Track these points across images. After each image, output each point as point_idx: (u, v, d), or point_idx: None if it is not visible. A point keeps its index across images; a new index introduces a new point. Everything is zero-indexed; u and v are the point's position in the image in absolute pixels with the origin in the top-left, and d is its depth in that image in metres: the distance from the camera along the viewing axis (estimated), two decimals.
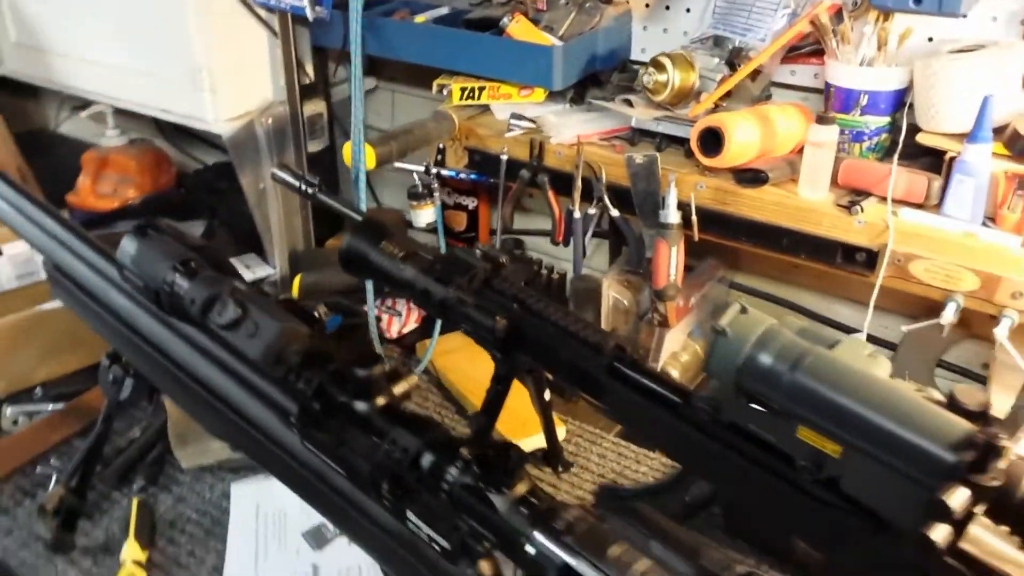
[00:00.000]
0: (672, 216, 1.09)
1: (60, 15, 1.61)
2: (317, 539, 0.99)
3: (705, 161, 1.07)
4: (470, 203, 1.62)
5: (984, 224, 0.95)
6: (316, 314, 0.80)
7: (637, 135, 1.19)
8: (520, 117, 1.26)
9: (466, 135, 1.32)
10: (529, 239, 1.57)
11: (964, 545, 0.61)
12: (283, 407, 0.76)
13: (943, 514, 0.59)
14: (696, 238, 1.10)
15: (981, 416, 0.68)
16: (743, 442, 0.75)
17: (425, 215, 1.38)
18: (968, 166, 0.94)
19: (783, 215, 1.04)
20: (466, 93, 1.34)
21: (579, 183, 1.18)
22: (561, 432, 1.24)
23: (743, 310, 0.75)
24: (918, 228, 0.97)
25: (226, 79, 1.46)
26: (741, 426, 0.75)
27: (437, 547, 0.64)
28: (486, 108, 1.34)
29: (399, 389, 0.72)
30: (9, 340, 1.24)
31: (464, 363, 1.39)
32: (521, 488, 0.62)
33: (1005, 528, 0.63)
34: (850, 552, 0.70)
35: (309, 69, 1.56)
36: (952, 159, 0.96)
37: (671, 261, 1.10)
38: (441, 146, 1.34)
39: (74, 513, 1.00)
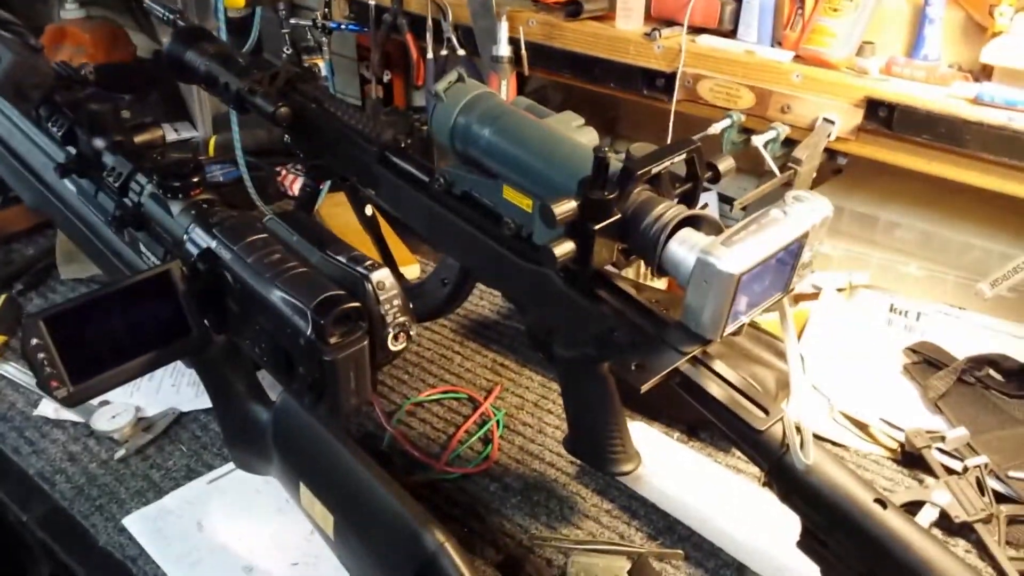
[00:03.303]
0: (503, 50, 1.13)
1: None
2: None
3: None
4: (386, 76, 1.69)
5: (773, 46, 0.98)
6: None
7: None
8: None
9: None
10: None
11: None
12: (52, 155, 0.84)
13: (551, 221, 0.64)
14: (526, 72, 1.15)
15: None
16: (468, 208, 0.80)
17: (319, 66, 1.45)
18: None
19: (598, 46, 1.08)
20: None
21: (430, 23, 1.23)
22: (415, 270, 1.30)
23: (459, 78, 0.80)
24: (709, 51, 0.99)
25: None
26: (469, 194, 0.81)
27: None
28: None
29: (141, 137, 0.80)
30: None
31: (347, 215, 1.47)
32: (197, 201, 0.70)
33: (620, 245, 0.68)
34: (549, 304, 0.75)
35: None
36: None
37: (501, 94, 1.15)
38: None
39: None
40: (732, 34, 1.01)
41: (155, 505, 0.87)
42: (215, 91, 0.99)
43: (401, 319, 0.61)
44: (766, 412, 0.62)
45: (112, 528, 0.85)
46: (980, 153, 0.83)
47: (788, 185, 0.90)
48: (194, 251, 0.66)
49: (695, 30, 1.02)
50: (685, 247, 0.63)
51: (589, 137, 0.77)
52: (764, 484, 0.66)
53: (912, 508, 0.83)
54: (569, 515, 0.86)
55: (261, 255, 0.63)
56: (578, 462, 0.91)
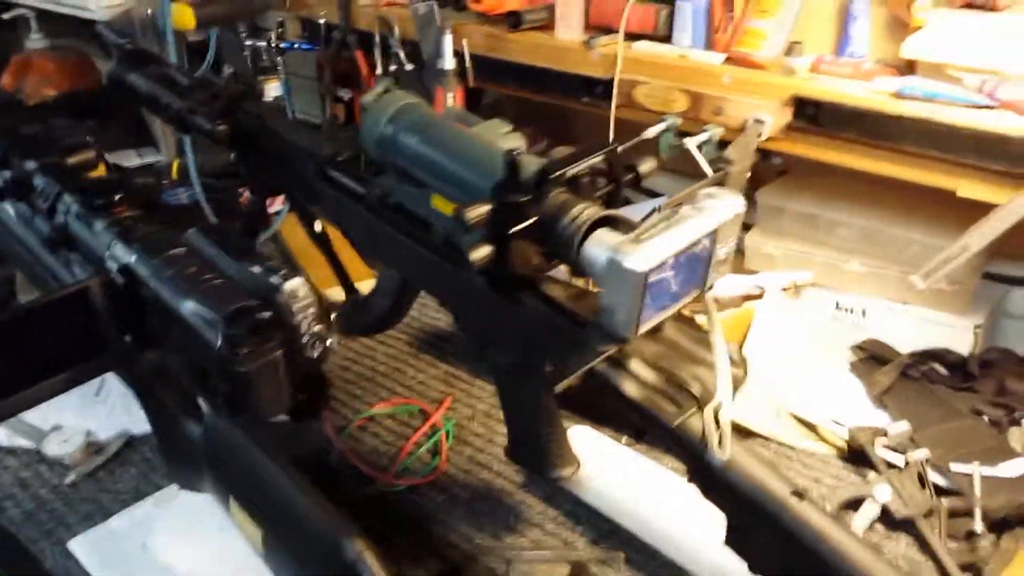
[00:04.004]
0: (447, 63, 1.14)
1: None
2: None
3: (471, 4, 1.12)
4: (346, 95, 1.70)
5: (706, 49, 0.99)
6: None
7: None
8: None
9: (300, 6, 1.39)
10: None
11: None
12: None
13: (464, 226, 0.64)
14: (471, 84, 1.16)
15: None
16: (401, 218, 0.81)
17: (272, 88, 1.47)
18: None
19: (540, 56, 1.09)
20: None
21: (377, 40, 1.24)
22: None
23: (387, 90, 0.80)
24: (644, 56, 1.01)
25: None
26: (402, 205, 0.81)
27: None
28: None
29: (73, 159, 0.81)
30: None
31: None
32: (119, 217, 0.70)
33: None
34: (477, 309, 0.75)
35: None
36: None
37: (447, 106, 1.16)
38: (281, 19, 1.42)
39: None
40: (667, 39, 1.02)
41: (101, 527, 0.87)
42: (158, 111, 1.00)
43: (316, 328, 0.62)
44: (679, 408, 0.62)
45: (59, 552, 0.85)
46: (904, 146, 0.84)
47: (720, 185, 0.91)
48: (114, 267, 0.67)
49: (632, 37, 1.03)
50: (600, 247, 0.64)
51: (515, 143, 0.78)
52: (689, 481, 0.66)
53: (854, 504, 0.83)
54: (514, 523, 0.86)
55: (177, 269, 0.63)
56: (525, 470, 0.92)
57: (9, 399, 0.60)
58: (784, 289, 1.05)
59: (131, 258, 0.66)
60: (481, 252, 0.65)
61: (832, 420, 0.92)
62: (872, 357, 0.99)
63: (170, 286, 0.62)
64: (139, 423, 1.01)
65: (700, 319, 0.97)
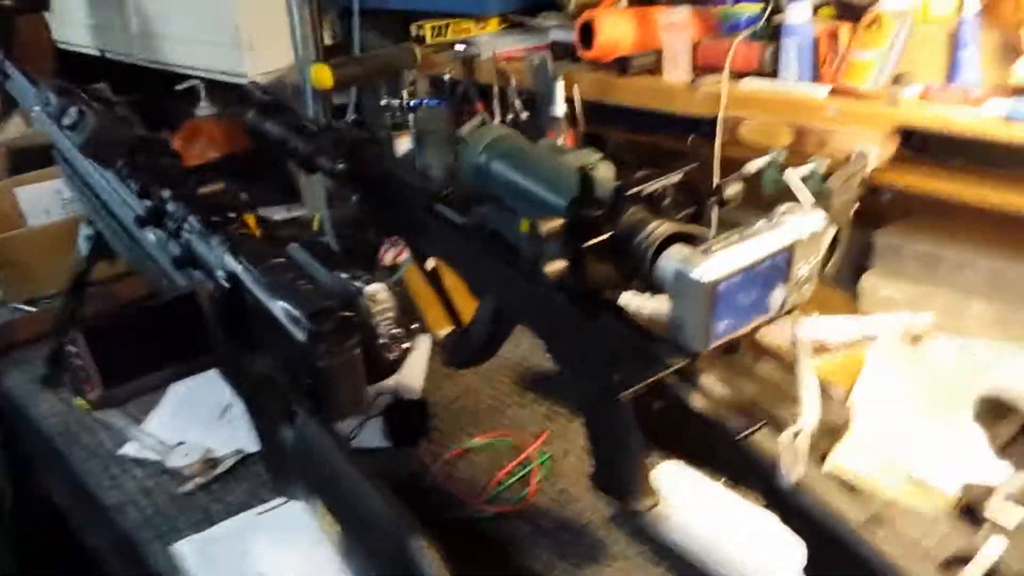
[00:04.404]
0: (558, 109, 1.18)
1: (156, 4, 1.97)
2: None
3: (581, 53, 1.16)
4: None
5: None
6: None
7: (558, 48, 1.30)
8: (465, 43, 1.41)
9: (430, 66, 1.48)
10: None
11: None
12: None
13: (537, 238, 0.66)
14: (581, 128, 1.19)
15: None
16: (495, 245, 0.84)
17: (403, 143, 1.56)
18: (792, 28, 0.97)
19: (646, 98, 1.11)
20: (435, 31, 1.51)
21: (496, 91, 1.30)
22: None
23: (483, 122, 0.85)
24: (749, 92, 1.00)
25: (260, 39, 1.72)
26: (496, 232, 0.84)
27: None
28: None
29: (203, 189, 0.89)
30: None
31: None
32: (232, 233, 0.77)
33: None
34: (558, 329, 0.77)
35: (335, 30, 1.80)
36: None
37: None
38: (412, 79, 1.51)
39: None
40: (773, 75, 1.01)
41: (206, 533, 0.92)
42: (287, 154, 1.09)
43: (395, 331, 0.65)
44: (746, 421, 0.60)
45: (165, 553, 0.90)
46: (1016, 172, 0.79)
47: None
48: (222, 275, 0.73)
49: (738, 75, 1.04)
50: (672, 261, 0.64)
51: (603, 169, 0.80)
52: (765, 506, 0.63)
53: (960, 562, 0.77)
54: (597, 555, 0.85)
55: (275, 276, 0.68)
56: (614, 506, 0.90)
57: (122, 385, 0.66)
58: (902, 334, 0.99)
59: (237, 267, 0.72)
60: (556, 265, 0.67)
61: (946, 474, 0.86)
62: (998, 407, 0.91)
63: (266, 289, 0.67)
64: (255, 443, 1.07)
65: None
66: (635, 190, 0.67)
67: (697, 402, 0.62)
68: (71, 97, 0.91)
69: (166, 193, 0.87)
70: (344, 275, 0.67)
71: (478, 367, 1.24)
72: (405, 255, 1.70)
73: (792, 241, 0.62)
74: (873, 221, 1.03)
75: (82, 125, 0.87)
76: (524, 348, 1.26)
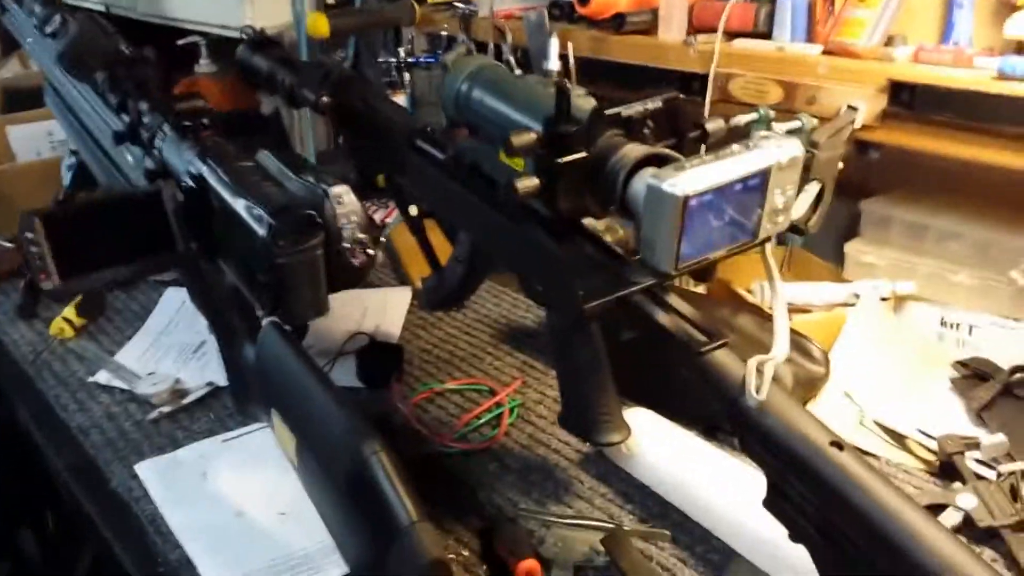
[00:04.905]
0: (552, 64, 1.17)
1: None
2: None
3: (579, 9, 1.15)
4: None
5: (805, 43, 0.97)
6: None
7: (556, 8, 1.29)
8: (466, 1, 1.40)
9: (429, 23, 1.47)
10: None
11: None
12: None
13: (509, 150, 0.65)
14: (574, 83, 1.18)
15: None
16: (472, 178, 0.83)
17: (399, 100, 1.55)
18: None
19: (640, 55, 1.10)
20: None
21: (491, 48, 1.29)
22: None
23: (468, 51, 0.83)
24: (742, 50, 0.99)
25: None
26: (475, 165, 0.83)
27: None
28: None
29: (183, 105, 0.88)
30: None
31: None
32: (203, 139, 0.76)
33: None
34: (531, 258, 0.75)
35: None
36: None
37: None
38: (410, 36, 1.50)
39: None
40: (768, 36, 1.01)
41: (168, 456, 0.91)
42: (273, 89, 1.08)
43: (359, 236, 0.64)
44: (711, 338, 0.59)
45: (126, 474, 0.89)
46: (1004, 128, 0.78)
47: (807, 170, 0.87)
48: (190, 176, 0.72)
49: (733, 35, 1.03)
50: (645, 178, 0.63)
51: (584, 99, 0.78)
52: (730, 427, 0.62)
53: (934, 512, 0.75)
54: (562, 495, 0.83)
55: (241, 177, 0.67)
56: (583, 450, 0.89)
57: (78, 277, 0.65)
58: (883, 299, 0.98)
59: (204, 168, 0.70)
60: (528, 182, 0.66)
61: (921, 431, 0.85)
62: (975, 374, 0.90)
63: (230, 189, 0.66)
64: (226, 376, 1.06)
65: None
66: (612, 111, 0.66)
67: (662, 318, 0.61)
68: (55, 7, 0.90)
69: (144, 105, 0.86)
70: (312, 180, 0.66)
71: (457, 317, 1.24)
72: (394, 216, 1.69)
73: (768, 165, 0.61)
74: (861, 191, 1.02)
75: (63, 32, 0.86)
76: (505, 304, 1.25)
